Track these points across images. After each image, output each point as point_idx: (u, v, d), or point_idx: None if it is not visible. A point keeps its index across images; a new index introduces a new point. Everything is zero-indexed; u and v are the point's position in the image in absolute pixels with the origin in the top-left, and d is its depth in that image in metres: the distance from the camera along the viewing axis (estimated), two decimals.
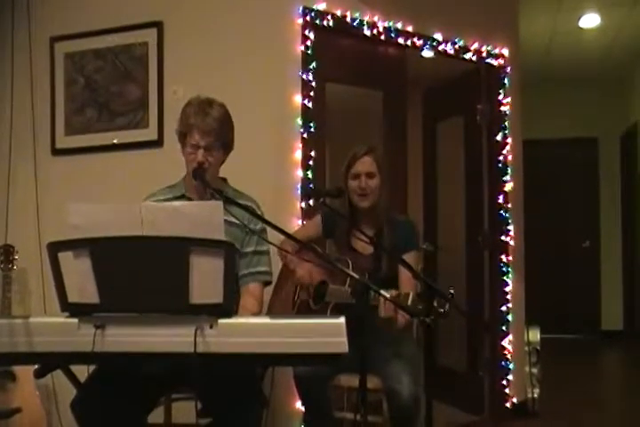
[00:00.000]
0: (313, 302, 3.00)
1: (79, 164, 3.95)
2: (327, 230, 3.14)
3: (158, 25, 3.81)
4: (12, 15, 4.09)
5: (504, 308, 4.46)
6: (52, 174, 4.00)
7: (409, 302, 2.27)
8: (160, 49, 3.81)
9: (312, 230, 3.18)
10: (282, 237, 2.44)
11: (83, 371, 2.13)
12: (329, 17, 3.76)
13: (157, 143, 3.75)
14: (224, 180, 2.83)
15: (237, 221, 2.51)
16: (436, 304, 2.03)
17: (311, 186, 3.61)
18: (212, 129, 2.58)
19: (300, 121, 3.63)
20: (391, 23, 4.01)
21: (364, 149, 3.02)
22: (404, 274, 2.84)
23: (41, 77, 4.05)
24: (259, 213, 2.70)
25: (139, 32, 3.83)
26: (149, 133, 3.77)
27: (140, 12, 3.86)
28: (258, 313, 2.65)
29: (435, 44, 4.21)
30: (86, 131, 3.94)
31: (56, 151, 4.01)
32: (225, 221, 1.98)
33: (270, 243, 2.67)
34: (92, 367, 2.23)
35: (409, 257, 2.90)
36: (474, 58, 4.43)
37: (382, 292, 2.18)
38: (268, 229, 2.47)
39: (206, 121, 2.58)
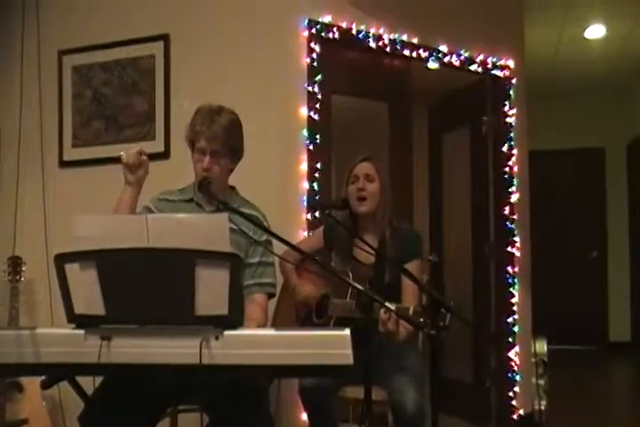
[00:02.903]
0: (315, 317, 3.00)
1: (86, 176, 3.97)
2: (329, 242, 3.13)
3: (165, 38, 3.84)
4: (22, 29, 4.13)
5: (510, 319, 4.45)
6: (59, 186, 4.04)
7: (410, 314, 2.27)
8: (167, 61, 3.84)
9: (315, 242, 3.17)
10: (286, 248, 2.45)
11: (89, 382, 2.14)
12: (334, 29, 3.78)
13: (164, 155, 3.77)
14: (233, 188, 2.84)
15: (243, 229, 2.52)
16: (437, 317, 2.03)
17: (317, 198, 3.62)
18: (218, 136, 2.59)
19: (305, 133, 3.65)
20: (396, 35, 4.03)
21: (364, 155, 3.03)
22: (408, 284, 2.83)
23: (49, 90, 4.09)
24: (265, 224, 2.71)
25: (145, 45, 3.87)
26: (156, 145, 3.78)
27: (147, 25, 3.90)
28: (263, 324, 2.66)
29: (440, 55, 4.23)
30: (93, 143, 3.98)
31: (64, 163, 4.05)
32: (230, 229, 1.99)
33: (274, 254, 2.67)
34: (97, 378, 2.24)
35: (411, 266, 2.86)
36: (479, 69, 4.44)
37: (387, 304, 2.18)
38: (274, 240, 2.48)
39: (212, 128, 2.59)
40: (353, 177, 3.00)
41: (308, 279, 3.07)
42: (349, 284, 2.23)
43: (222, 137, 2.60)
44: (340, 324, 2.80)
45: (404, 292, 2.85)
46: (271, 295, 2.77)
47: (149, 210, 2.72)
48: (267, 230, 2.39)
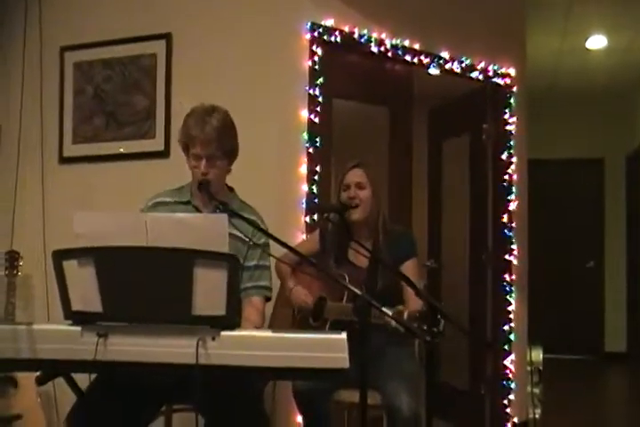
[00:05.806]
0: (312, 319, 2.99)
1: (86, 172, 3.97)
2: (325, 245, 3.13)
3: (167, 37, 3.84)
4: (25, 25, 4.12)
5: (506, 327, 4.45)
6: (58, 182, 4.03)
7: (404, 318, 2.27)
8: (168, 60, 3.83)
9: (312, 245, 3.17)
10: (284, 251, 2.44)
11: (84, 379, 2.12)
12: (337, 33, 3.77)
13: (164, 154, 3.77)
14: (231, 189, 2.82)
15: (240, 235, 2.51)
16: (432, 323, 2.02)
17: (316, 201, 3.62)
18: (212, 139, 2.55)
19: (305, 136, 3.64)
20: (398, 40, 4.03)
21: (354, 162, 3.05)
22: (409, 289, 2.82)
23: (50, 86, 4.08)
24: (262, 227, 2.69)
25: (147, 43, 3.87)
26: (156, 144, 3.79)
27: (150, 23, 3.90)
28: (260, 326, 2.65)
29: (441, 62, 4.23)
30: (93, 140, 3.97)
31: (63, 159, 4.04)
32: (228, 233, 1.98)
33: (273, 256, 2.66)
34: (93, 375, 2.22)
35: (407, 266, 2.90)
36: (480, 77, 4.44)
37: (384, 309, 2.17)
38: (271, 242, 2.47)
39: (205, 131, 2.55)
40: (344, 185, 3.02)
41: (304, 282, 3.06)
42: (346, 287, 2.22)
43: (216, 140, 2.56)
44: (336, 327, 2.79)
45: (406, 297, 2.83)
46: (267, 299, 2.77)
47: None
48: (267, 233, 2.38)
